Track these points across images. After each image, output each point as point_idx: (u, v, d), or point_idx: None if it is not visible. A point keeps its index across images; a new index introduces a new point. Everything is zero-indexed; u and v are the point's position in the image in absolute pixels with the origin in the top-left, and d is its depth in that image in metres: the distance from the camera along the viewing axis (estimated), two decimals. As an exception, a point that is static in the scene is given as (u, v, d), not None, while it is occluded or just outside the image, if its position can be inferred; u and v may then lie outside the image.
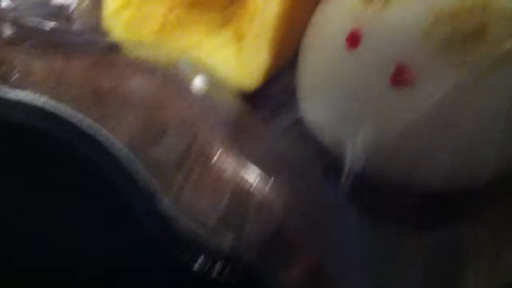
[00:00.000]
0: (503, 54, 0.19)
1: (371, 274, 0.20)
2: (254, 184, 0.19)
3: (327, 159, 0.22)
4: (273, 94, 0.24)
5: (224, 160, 0.19)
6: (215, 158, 0.19)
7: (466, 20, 0.20)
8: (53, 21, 0.25)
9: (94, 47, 0.25)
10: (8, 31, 0.23)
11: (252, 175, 0.19)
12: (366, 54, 0.20)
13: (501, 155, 0.20)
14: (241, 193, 0.19)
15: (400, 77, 0.20)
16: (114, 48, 0.25)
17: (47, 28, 0.24)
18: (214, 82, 0.23)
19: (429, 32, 0.19)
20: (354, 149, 0.21)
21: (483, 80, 0.19)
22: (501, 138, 0.20)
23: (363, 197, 0.21)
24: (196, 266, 0.19)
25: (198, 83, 0.22)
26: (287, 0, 0.22)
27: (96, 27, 0.26)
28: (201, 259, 0.19)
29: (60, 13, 0.25)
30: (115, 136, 0.21)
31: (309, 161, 0.22)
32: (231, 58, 0.24)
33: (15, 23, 0.23)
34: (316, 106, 0.22)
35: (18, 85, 0.22)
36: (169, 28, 0.25)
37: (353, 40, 0.21)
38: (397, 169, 0.21)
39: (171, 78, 0.22)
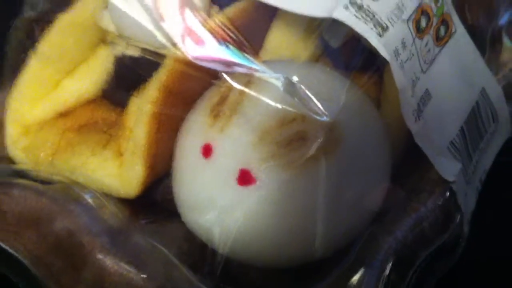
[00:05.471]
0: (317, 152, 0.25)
1: None
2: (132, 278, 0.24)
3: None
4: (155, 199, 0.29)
5: (104, 261, 0.24)
6: (97, 260, 0.24)
7: (290, 129, 0.25)
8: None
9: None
10: None
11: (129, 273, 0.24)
12: (218, 162, 0.26)
13: (329, 234, 0.25)
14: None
15: (244, 179, 0.25)
16: (20, 174, 0.29)
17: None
18: (100, 196, 0.27)
19: (258, 143, 0.25)
20: (219, 239, 0.26)
21: (306, 173, 0.25)
22: (325, 218, 0.25)
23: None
24: None
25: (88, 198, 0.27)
26: (154, 121, 0.27)
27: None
28: None
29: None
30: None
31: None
32: (113, 172, 0.28)
33: None
34: (185, 207, 0.27)
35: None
36: (61, 151, 0.29)
37: (206, 151, 0.26)
38: (249, 251, 0.25)
39: (60, 197, 0.26)
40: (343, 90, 0.25)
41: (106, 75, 0.31)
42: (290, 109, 0.25)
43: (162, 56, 0.28)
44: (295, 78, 0.25)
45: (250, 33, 0.29)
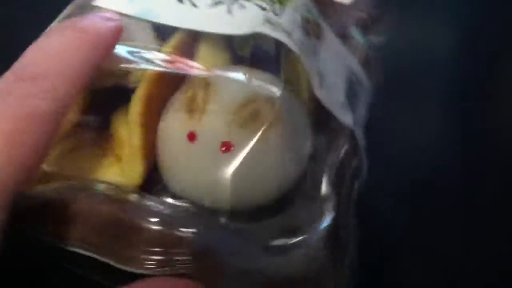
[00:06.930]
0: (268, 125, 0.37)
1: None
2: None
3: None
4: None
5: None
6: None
7: (249, 108, 0.37)
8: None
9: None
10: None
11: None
12: (203, 142, 0.37)
13: (281, 182, 0.38)
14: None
15: (226, 147, 0.36)
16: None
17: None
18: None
19: (230, 121, 0.36)
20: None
21: (263, 137, 0.37)
22: (279, 165, 0.37)
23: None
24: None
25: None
26: (142, 128, 0.38)
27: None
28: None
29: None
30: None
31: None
32: (117, 173, 0.38)
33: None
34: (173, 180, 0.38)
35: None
36: (69, 169, 0.39)
37: (192, 137, 0.37)
38: (237, 200, 0.37)
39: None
40: (276, 79, 0.38)
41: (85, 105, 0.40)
42: (247, 95, 0.37)
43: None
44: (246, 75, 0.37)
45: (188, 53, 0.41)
